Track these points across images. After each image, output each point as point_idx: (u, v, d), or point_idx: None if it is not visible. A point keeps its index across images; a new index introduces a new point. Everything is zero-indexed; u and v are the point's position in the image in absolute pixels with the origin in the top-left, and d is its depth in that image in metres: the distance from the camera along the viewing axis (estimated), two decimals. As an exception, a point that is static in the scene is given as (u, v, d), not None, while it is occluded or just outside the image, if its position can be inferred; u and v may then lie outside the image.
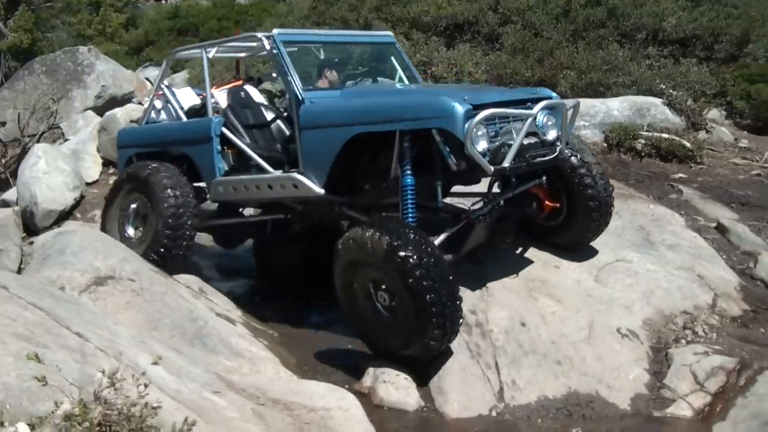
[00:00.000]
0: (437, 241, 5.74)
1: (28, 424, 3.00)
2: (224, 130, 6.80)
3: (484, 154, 5.45)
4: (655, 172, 9.53)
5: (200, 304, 6.44)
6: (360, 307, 5.71)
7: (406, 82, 7.31)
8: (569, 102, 6.29)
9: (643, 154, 9.88)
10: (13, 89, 12.53)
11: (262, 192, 6.57)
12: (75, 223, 9.21)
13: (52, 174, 9.57)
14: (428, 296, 5.18)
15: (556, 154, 5.95)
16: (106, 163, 10.73)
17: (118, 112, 10.95)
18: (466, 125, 5.34)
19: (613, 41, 12.72)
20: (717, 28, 12.98)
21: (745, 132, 11.70)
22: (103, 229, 7.40)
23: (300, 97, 6.27)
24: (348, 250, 5.55)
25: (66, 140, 11.45)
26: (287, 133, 6.94)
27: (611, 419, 5.45)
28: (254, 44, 7.32)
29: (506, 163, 5.51)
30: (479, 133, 5.42)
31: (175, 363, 4.67)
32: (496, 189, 6.42)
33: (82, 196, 9.84)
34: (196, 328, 5.90)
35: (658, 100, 10.93)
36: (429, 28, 14.06)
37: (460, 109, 5.40)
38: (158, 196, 6.80)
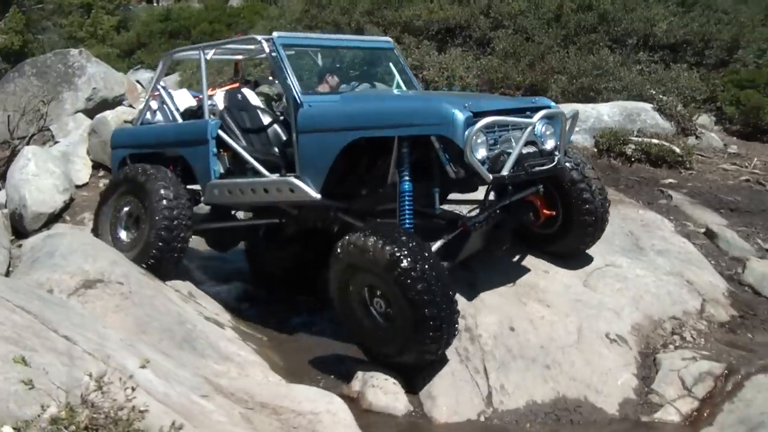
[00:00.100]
0: (434, 247, 5.72)
1: (14, 428, 2.99)
2: (220, 132, 6.77)
3: (483, 162, 5.45)
4: (644, 178, 9.56)
5: (189, 307, 6.43)
6: (355, 311, 5.70)
7: (404, 87, 7.29)
8: (568, 112, 6.30)
9: (633, 159, 9.91)
10: (3, 91, 12.49)
11: (257, 195, 6.54)
12: (64, 225, 9.19)
13: (42, 176, 9.54)
14: (427, 310, 5.18)
15: (554, 163, 5.96)
16: (96, 165, 10.70)
17: (108, 114, 10.91)
18: (467, 133, 5.34)
19: (604, 46, 12.76)
20: (707, 34, 13.03)
21: (735, 138, 11.74)
22: (95, 229, 7.35)
23: (298, 101, 6.23)
24: (348, 254, 5.51)
25: (56, 142, 11.41)
26: (284, 137, 6.91)
27: (599, 424, 5.46)
28: (252, 47, 7.30)
29: (505, 172, 5.50)
30: (479, 140, 5.42)
31: (164, 366, 4.66)
32: (491, 197, 6.44)
33: (71, 199, 9.81)
34: (185, 332, 5.89)
35: (648, 106, 10.96)
36: (420, 33, 14.08)
37: (460, 116, 5.39)
38: (154, 206, 6.72)
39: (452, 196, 6.61)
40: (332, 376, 6.01)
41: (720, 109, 12.24)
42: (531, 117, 5.81)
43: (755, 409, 5.27)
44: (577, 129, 10.07)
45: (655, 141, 10.02)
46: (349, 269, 5.58)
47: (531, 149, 5.81)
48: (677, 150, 9.95)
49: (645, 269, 6.88)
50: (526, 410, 5.52)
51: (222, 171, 6.84)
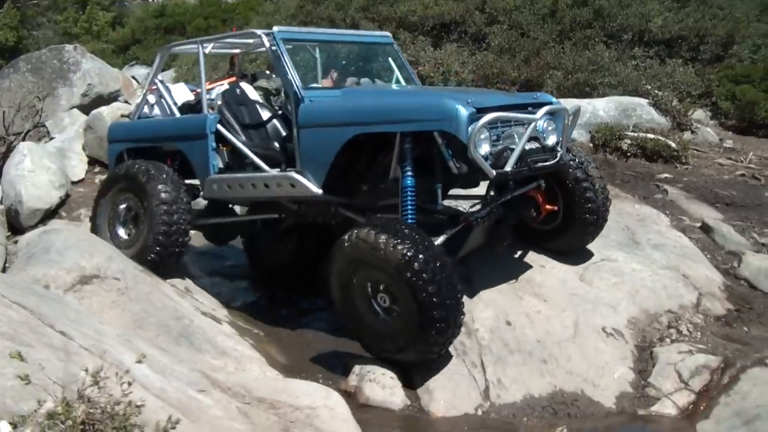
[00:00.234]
0: (436, 243, 5.68)
1: (11, 423, 2.98)
2: (219, 127, 6.73)
3: (486, 158, 5.44)
4: (640, 173, 9.57)
5: (186, 302, 6.42)
6: (356, 305, 5.67)
7: (403, 82, 7.27)
8: (570, 107, 6.30)
9: (628, 154, 9.92)
10: (-2, 87, 12.45)
11: (257, 190, 6.50)
12: (60, 221, 9.16)
13: (38, 172, 9.50)
14: (436, 312, 5.18)
15: (557, 159, 5.96)
16: (92, 161, 10.67)
17: (104, 110, 10.86)
18: (470, 128, 5.33)
19: (599, 42, 12.78)
20: (702, 29, 13.05)
21: (730, 132, 11.77)
22: (93, 224, 7.31)
23: (299, 96, 6.19)
24: (355, 249, 5.46)
25: (51, 138, 11.37)
26: (283, 132, 6.86)
27: (596, 417, 5.47)
28: (251, 41, 7.25)
29: (508, 168, 5.49)
30: (482, 136, 5.40)
31: (160, 361, 4.66)
32: (492, 192, 6.42)
33: (67, 195, 9.78)
34: (182, 327, 5.88)
35: (643, 101, 10.98)
36: (416, 28, 14.08)
37: (463, 112, 5.37)
38: (153, 210, 6.68)
39: (451, 191, 6.60)
40: (330, 371, 6.01)
41: (715, 104, 12.27)
42: (533, 113, 5.79)
43: (751, 401, 5.29)
44: (572, 124, 10.10)
45: (650, 136, 10.04)
46: (355, 264, 5.54)
47: (533, 145, 5.81)
48: (673, 145, 9.96)
49: (641, 263, 6.89)
50: (523, 404, 5.53)
51: (221, 166, 6.80)
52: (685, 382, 5.65)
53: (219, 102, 7.06)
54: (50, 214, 9.40)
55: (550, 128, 5.95)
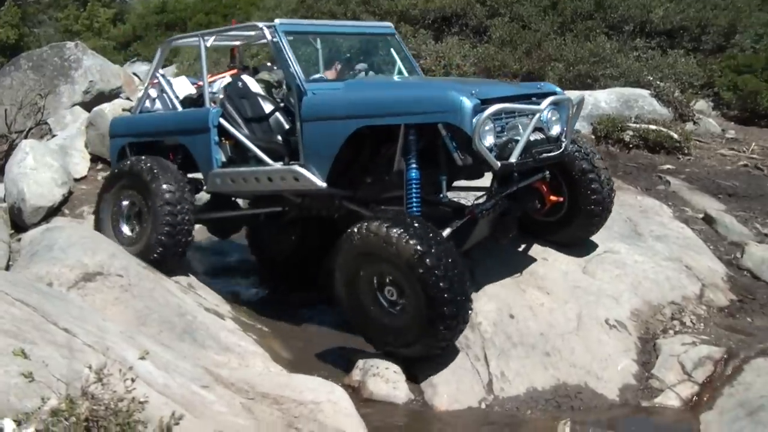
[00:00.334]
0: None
1: (15, 421, 3.00)
2: (222, 120, 6.69)
3: (491, 150, 5.42)
4: (642, 164, 9.56)
5: (189, 299, 6.43)
6: (362, 298, 5.64)
7: (406, 73, 7.22)
8: (574, 97, 6.27)
9: (630, 145, 9.91)
10: (0, 85, 12.45)
11: (261, 184, 6.47)
12: (63, 219, 9.16)
13: (40, 170, 9.50)
14: (446, 308, 5.18)
15: (561, 149, 5.94)
16: (95, 158, 10.65)
17: (106, 107, 10.84)
18: (475, 120, 5.30)
19: (600, 33, 12.76)
20: (704, 19, 13.02)
21: (732, 123, 11.74)
22: (96, 220, 7.29)
23: (302, 89, 6.14)
24: (365, 242, 5.41)
25: (54, 136, 11.36)
26: (286, 125, 6.81)
27: (600, 410, 5.47)
28: (252, 33, 7.19)
29: (513, 159, 5.47)
30: (487, 128, 5.38)
31: (164, 358, 4.67)
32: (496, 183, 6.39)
33: (70, 192, 9.78)
34: (185, 323, 5.89)
35: (645, 92, 10.96)
36: (417, 21, 14.06)
37: (468, 103, 5.35)
38: (157, 210, 6.63)
39: (454, 183, 6.57)
40: (333, 366, 6.01)
41: (717, 95, 12.24)
42: (537, 103, 5.78)
43: (755, 392, 5.29)
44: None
45: (652, 127, 10.02)
46: (364, 256, 5.49)
47: (538, 136, 5.79)
48: (675, 136, 9.95)
49: (644, 255, 6.89)
50: (526, 397, 5.53)
51: (224, 160, 6.77)
52: (689, 374, 5.66)
53: (221, 95, 7.02)
54: (53, 211, 9.40)
55: (554, 118, 5.94)
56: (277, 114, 6.95)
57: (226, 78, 7.38)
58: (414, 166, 5.66)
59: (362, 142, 6.04)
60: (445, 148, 5.62)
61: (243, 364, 5.59)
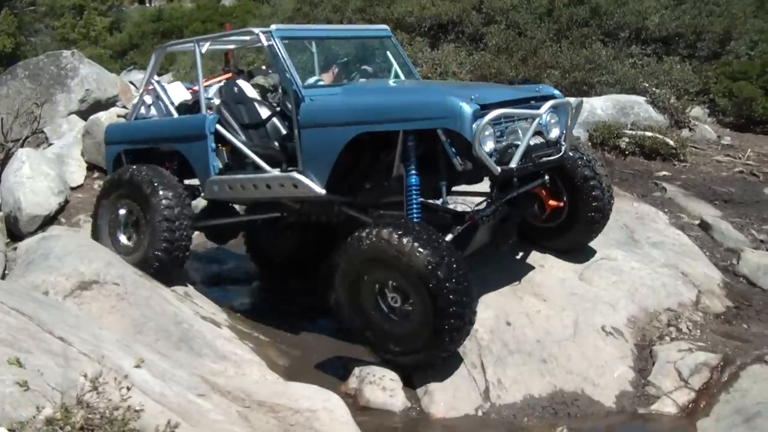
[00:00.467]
0: None
1: (10, 429, 2.99)
2: (219, 127, 6.63)
3: (491, 155, 5.39)
4: (638, 170, 9.58)
5: (185, 307, 6.42)
6: (363, 303, 5.59)
7: (402, 76, 7.16)
8: (573, 101, 6.27)
9: (626, 152, 9.94)
10: (-4, 94, 12.46)
11: (260, 191, 6.42)
12: (59, 227, 9.16)
13: (36, 179, 9.51)
14: (453, 320, 5.18)
15: (561, 153, 5.92)
16: (91, 167, 10.67)
17: (102, 115, 10.87)
18: (475, 126, 5.27)
19: (596, 40, 12.80)
20: (699, 26, 13.06)
21: (728, 129, 11.77)
22: (94, 230, 7.24)
23: (300, 95, 6.10)
24: (374, 249, 5.33)
25: (50, 145, 11.37)
26: (283, 130, 6.77)
27: (596, 417, 5.47)
28: (247, 38, 7.13)
29: (513, 164, 5.44)
30: (486, 133, 5.34)
31: (160, 366, 4.66)
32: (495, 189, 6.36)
33: (66, 201, 9.78)
34: (182, 332, 5.88)
35: (641, 99, 10.99)
36: (413, 29, 14.10)
37: (468, 109, 5.31)
38: (156, 225, 6.61)
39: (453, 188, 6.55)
40: (330, 374, 6.00)
41: (713, 101, 12.27)
42: (536, 106, 5.76)
43: (751, 399, 5.28)
44: (570, 123, 10.11)
45: (648, 134, 10.05)
46: (371, 263, 5.43)
47: (538, 140, 5.77)
48: (671, 142, 9.98)
49: (640, 262, 6.89)
50: (523, 404, 5.53)
51: (221, 166, 6.72)
52: (685, 380, 5.65)
53: (216, 101, 6.98)
54: (49, 220, 9.41)
55: (553, 121, 5.92)
56: (274, 119, 6.91)
57: (220, 83, 7.36)
58: (413, 172, 5.65)
59: (361, 147, 5.99)
60: (444, 153, 5.59)
61: (239, 372, 5.58)
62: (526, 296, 6.37)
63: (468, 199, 6.97)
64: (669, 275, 6.78)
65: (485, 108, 5.40)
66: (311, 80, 6.63)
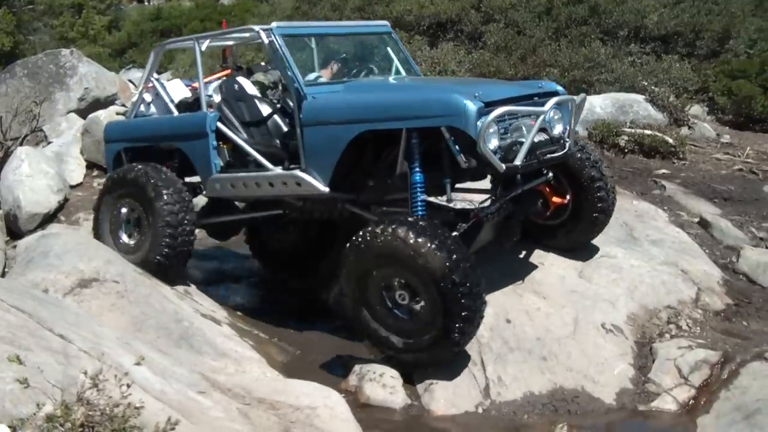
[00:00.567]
0: None
1: (10, 427, 2.99)
2: (220, 125, 6.60)
3: (495, 152, 5.37)
4: (638, 168, 9.58)
5: (185, 304, 6.42)
6: (369, 298, 5.55)
7: (403, 72, 7.13)
8: (577, 97, 6.25)
9: (626, 150, 9.93)
10: (-5, 92, 12.45)
11: (262, 189, 6.39)
12: (59, 226, 9.17)
13: (36, 177, 9.51)
14: (463, 322, 5.18)
15: (565, 150, 5.90)
16: (90, 165, 10.67)
17: (101, 114, 10.86)
18: (479, 123, 5.25)
19: (595, 38, 12.78)
20: (698, 25, 13.04)
21: (727, 127, 11.75)
22: (96, 220, 7.21)
23: (302, 93, 6.06)
24: (389, 246, 5.27)
25: (49, 143, 11.37)
26: (284, 127, 6.75)
27: (597, 414, 5.47)
28: (247, 35, 7.06)
29: (518, 162, 5.41)
30: (491, 131, 5.32)
31: (160, 364, 4.66)
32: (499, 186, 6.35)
33: (66, 199, 9.78)
34: (182, 329, 5.88)
35: (640, 97, 10.99)
36: (412, 27, 14.09)
37: (472, 107, 5.29)
38: (158, 230, 6.60)
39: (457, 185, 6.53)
40: (330, 371, 6.01)
41: (712, 100, 12.25)
42: (540, 103, 5.73)
43: (751, 396, 5.29)
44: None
45: (647, 132, 10.04)
46: (382, 258, 5.37)
47: (542, 137, 5.74)
48: (670, 140, 9.97)
49: (640, 259, 6.89)
50: (523, 401, 5.53)
51: (222, 164, 6.68)
52: (685, 378, 5.66)
53: (216, 98, 6.94)
54: (49, 218, 9.41)
55: (556, 117, 5.92)
56: (275, 116, 6.89)
57: (220, 79, 7.32)
58: (418, 169, 5.63)
59: (363, 145, 5.97)
60: (448, 151, 5.57)
61: (239, 369, 5.59)
62: (526, 294, 6.37)
63: (466, 196, 6.98)
64: (669, 273, 6.77)
65: (489, 105, 5.38)
66: (311, 77, 6.59)
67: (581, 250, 6.89)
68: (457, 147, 5.47)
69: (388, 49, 7.30)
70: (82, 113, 11.86)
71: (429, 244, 5.13)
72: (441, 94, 5.72)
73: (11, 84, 12.39)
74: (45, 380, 3.42)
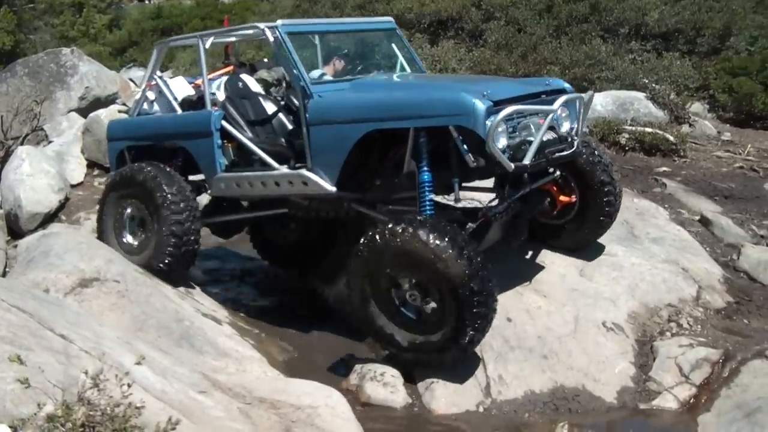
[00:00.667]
0: None
1: (11, 427, 2.99)
2: (224, 123, 6.54)
3: (504, 151, 5.34)
4: (639, 166, 9.58)
5: (186, 304, 6.42)
6: (379, 296, 5.52)
7: (408, 68, 7.09)
8: (585, 95, 6.24)
9: (627, 148, 9.93)
10: (-4, 92, 12.47)
11: (268, 189, 6.33)
12: (60, 225, 9.17)
13: (36, 176, 9.51)
14: (474, 330, 5.19)
15: (573, 148, 5.87)
16: (91, 164, 10.68)
17: (102, 113, 10.87)
18: (488, 123, 5.21)
19: (596, 36, 12.79)
20: (699, 22, 13.04)
21: (728, 125, 11.76)
22: (99, 227, 7.17)
23: (308, 91, 6.01)
24: (407, 246, 5.21)
25: (50, 142, 11.38)
26: (289, 126, 6.68)
27: (597, 412, 5.47)
28: (251, 32, 6.90)
29: (527, 161, 5.37)
30: (500, 130, 5.29)
31: (161, 363, 4.67)
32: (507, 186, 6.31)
33: (66, 199, 9.79)
34: (182, 329, 5.89)
35: (641, 95, 10.99)
36: (412, 25, 14.10)
37: (481, 106, 5.25)
38: (163, 238, 6.56)
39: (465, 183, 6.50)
40: (330, 370, 6.01)
41: (713, 97, 12.26)
42: (548, 102, 5.70)
43: (752, 394, 5.28)
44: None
45: (648, 129, 10.05)
46: (398, 257, 5.30)
47: (550, 135, 5.71)
48: (671, 138, 9.97)
49: (640, 257, 6.89)
50: (524, 400, 5.53)
51: (227, 163, 6.62)
52: (686, 376, 5.65)
53: (220, 96, 6.88)
54: (49, 217, 9.41)
55: (564, 115, 5.90)
56: (280, 115, 6.83)
57: (223, 77, 7.27)
58: (426, 168, 5.60)
59: (370, 143, 5.91)
60: (456, 150, 5.53)
61: (240, 369, 5.59)
62: (527, 292, 6.37)
63: (468, 194, 6.97)
64: (669, 271, 6.77)
65: (498, 104, 5.34)
66: (315, 74, 6.55)
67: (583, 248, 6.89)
68: (465, 146, 5.43)
69: (393, 45, 7.24)
70: (83, 112, 11.86)
71: (450, 250, 5.09)
72: (449, 94, 5.66)
73: (12, 83, 12.40)
74: (46, 380, 3.43)
